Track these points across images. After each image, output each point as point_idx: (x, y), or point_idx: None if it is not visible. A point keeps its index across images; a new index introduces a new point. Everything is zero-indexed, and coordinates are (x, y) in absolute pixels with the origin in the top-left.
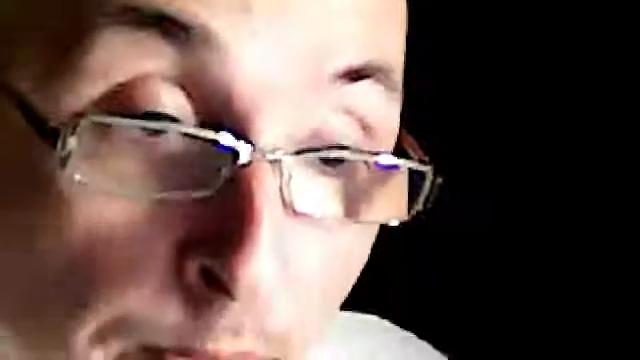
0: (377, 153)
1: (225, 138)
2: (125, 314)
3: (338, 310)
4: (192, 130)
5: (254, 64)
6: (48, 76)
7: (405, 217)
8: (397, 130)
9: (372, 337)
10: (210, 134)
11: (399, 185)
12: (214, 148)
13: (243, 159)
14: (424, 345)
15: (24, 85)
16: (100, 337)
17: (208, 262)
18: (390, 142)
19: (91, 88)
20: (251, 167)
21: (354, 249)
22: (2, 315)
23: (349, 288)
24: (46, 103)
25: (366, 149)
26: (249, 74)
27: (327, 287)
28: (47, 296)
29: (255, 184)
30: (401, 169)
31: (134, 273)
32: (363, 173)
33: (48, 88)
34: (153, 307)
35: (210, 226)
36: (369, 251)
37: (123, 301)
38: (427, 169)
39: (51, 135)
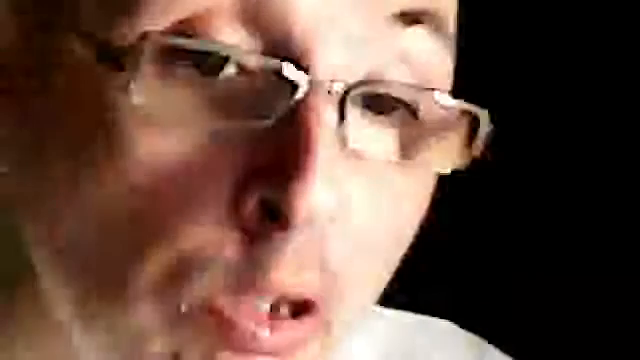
0: (433, 90)
1: (285, 68)
2: (184, 255)
3: (392, 269)
4: (253, 60)
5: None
6: (108, 9)
7: (460, 164)
8: (450, 82)
9: (431, 338)
10: (271, 63)
11: (451, 136)
12: (273, 80)
13: (302, 90)
14: (486, 346)
15: (84, 19)
16: (158, 289)
17: (267, 193)
18: (445, 91)
19: (152, 24)
20: (309, 98)
21: (407, 196)
22: (58, 273)
23: (404, 242)
24: (107, 34)
25: (420, 97)
26: (308, 8)
27: (378, 231)
28: (106, 240)
29: (313, 115)
30: (454, 120)
31: (194, 208)
32: (416, 122)
33: (109, 21)
34: (213, 243)
35: (268, 158)
36: (425, 204)
37: (182, 239)
38: (483, 113)
39: (114, 60)
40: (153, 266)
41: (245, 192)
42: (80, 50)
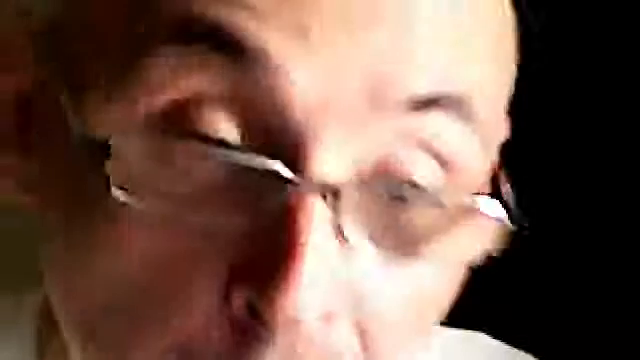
0: (451, 192)
1: (275, 166)
2: (172, 345)
3: (418, 341)
4: (242, 157)
5: (309, 88)
6: (99, 88)
7: (476, 258)
8: (484, 164)
9: (475, 354)
10: (260, 162)
11: (473, 224)
12: (264, 176)
13: (293, 188)
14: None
15: (76, 96)
16: None
17: (252, 294)
18: (472, 176)
19: (144, 104)
20: (301, 197)
21: (417, 285)
22: (68, 329)
23: (427, 322)
24: (94, 117)
25: (441, 185)
26: (303, 99)
27: (395, 320)
28: (99, 321)
29: (301, 216)
30: (471, 212)
31: (181, 302)
32: (432, 209)
33: (97, 101)
34: (202, 336)
35: (255, 257)
36: (453, 287)
37: (173, 331)
38: (504, 215)
39: (97, 151)
40: (147, 352)
41: (233, 291)
42: (70, 118)
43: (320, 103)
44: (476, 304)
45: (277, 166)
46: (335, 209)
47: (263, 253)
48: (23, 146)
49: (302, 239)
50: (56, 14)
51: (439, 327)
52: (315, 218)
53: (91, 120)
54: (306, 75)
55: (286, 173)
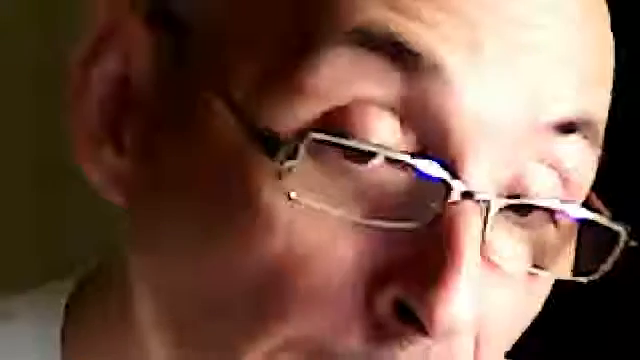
0: (577, 206)
1: (440, 172)
2: (303, 335)
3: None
4: (409, 160)
5: (475, 101)
6: (267, 88)
7: (593, 275)
8: (588, 186)
9: None
10: (426, 166)
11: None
12: (423, 181)
13: (455, 196)
14: None
15: (239, 93)
16: (270, 355)
17: (404, 295)
18: (581, 198)
19: (312, 106)
20: (461, 205)
21: (533, 301)
22: (172, 323)
23: (516, 338)
24: (262, 114)
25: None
26: (468, 111)
27: (501, 337)
28: (227, 309)
29: (463, 224)
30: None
31: (323, 297)
32: (551, 227)
33: (266, 99)
34: (335, 332)
35: (409, 259)
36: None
37: (305, 323)
38: (621, 229)
39: (271, 148)
40: (265, 342)
41: (379, 290)
42: (224, 115)
43: (482, 120)
44: None
45: (440, 171)
46: (485, 224)
47: (417, 255)
48: (117, 140)
49: (467, 252)
50: (188, 12)
51: None
52: (471, 227)
53: (249, 119)
54: (474, 91)
55: (448, 179)
